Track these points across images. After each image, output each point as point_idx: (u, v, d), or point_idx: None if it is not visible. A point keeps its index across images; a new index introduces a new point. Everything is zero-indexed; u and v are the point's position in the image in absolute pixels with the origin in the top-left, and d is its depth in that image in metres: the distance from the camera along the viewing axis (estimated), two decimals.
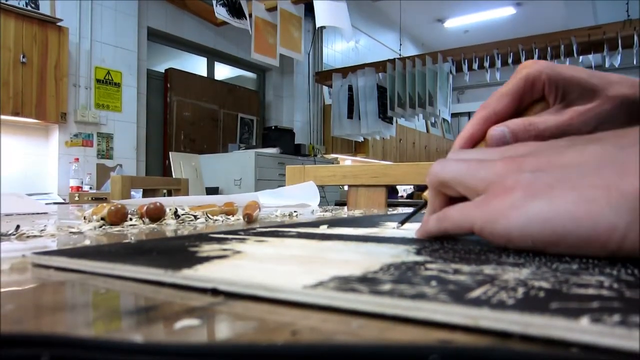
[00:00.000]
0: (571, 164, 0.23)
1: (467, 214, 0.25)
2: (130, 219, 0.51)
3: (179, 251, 0.25)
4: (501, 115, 0.32)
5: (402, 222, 0.40)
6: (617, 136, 0.23)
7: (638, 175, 0.19)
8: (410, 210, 0.82)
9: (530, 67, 0.31)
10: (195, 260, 0.22)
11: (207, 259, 0.22)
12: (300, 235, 0.33)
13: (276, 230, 0.36)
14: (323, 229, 0.38)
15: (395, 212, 0.77)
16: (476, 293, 0.14)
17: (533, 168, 0.24)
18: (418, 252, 0.24)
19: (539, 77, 0.31)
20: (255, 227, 0.43)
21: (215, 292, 0.17)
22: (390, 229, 0.38)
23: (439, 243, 0.27)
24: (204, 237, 0.31)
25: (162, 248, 0.26)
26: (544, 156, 0.24)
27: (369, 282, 0.16)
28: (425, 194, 0.36)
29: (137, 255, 0.23)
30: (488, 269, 0.19)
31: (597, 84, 0.31)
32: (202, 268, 0.19)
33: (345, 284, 0.16)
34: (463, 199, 0.28)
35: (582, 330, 0.11)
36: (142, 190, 1.82)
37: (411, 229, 0.37)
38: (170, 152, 3.40)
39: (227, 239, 0.30)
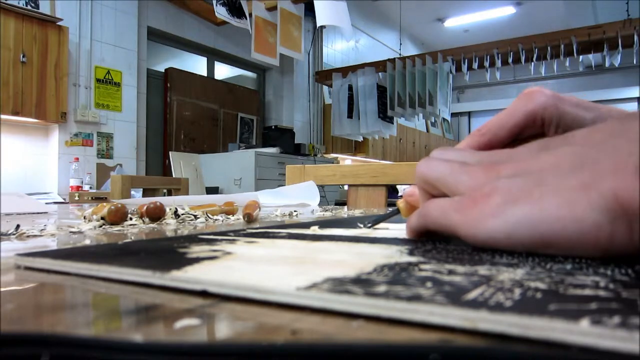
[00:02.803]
0: (547, 167, 0.23)
1: (449, 218, 0.25)
2: (130, 219, 0.51)
3: (168, 252, 0.25)
4: (496, 147, 0.31)
5: (374, 223, 0.40)
6: (588, 135, 0.23)
7: (612, 175, 0.19)
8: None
9: (535, 100, 0.30)
10: (185, 261, 0.21)
11: (197, 260, 0.22)
12: (291, 236, 0.32)
13: (267, 231, 0.36)
14: (314, 230, 0.37)
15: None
16: (473, 294, 0.14)
17: (510, 174, 0.24)
18: (411, 253, 0.24)
19: (541, 114, 0.30)
20: (249, 228, 0.42)
21: (205, 294, 0.17)
22: (381, 230, 0.38)
23: (431, 243, 0.27)
24: (193, 238, 0.31)
25: (150, 249, 0.26)
26: (520, 161, 0.24)
27: (363, 283, 0.16)
28: (399, 201, 0.36)
29: (125, 257, 0.23)
30: (482, 270, 0.18)
31: None
32: (192, 269, 0.19)
33: (339, 285, 0.16)
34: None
35: (582, 332, 0.11)
36: (142, 189, 1.82)
37: (403, 229, 0.37)
38: (170, 152, 3.40)
39: (216, 240, 0.30)
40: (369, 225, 0.40)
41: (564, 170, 0.22)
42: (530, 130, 0.31)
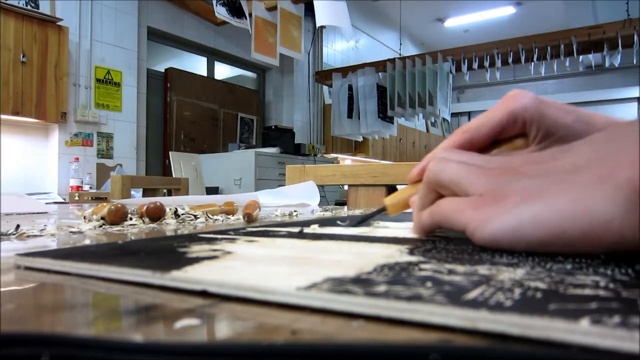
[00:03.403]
0: (566, 167, 0.23)
1: (462, 214, 0.26)
2: (130, 219, 0.51)
3: (168, 252, 0.24)
4: (477, 145, 0.32)
5: (357, 224, 0.40)
6: (606, 135, 0.23)
7: (631, 167, 0.20)
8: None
9: (517, 101, 0.31)
10: (185, 261, 0.21)
11: (197, 259, 0.22)
12: (291, 235, 0.32)
13: (267, 230, 0.36)
14: (314, 229, 0.37)
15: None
16: (473, 294, 0.14)
17: (531, 175, 0.24)
18: (411, 252, 0.24)
19: (522, 115, 0.31)
20: (248, 227, 0.42)
21: (205, 294, 0.17)
22: (381, 229, 0.38)
23: (431, 243, 0.27)
24: (193, 238, 0.31)
25: (150, 249, 0.26)
26: (540, 163, 0.25)
27: (363, 283, 0.16)
28: (387, 199, 0.36)
29: (125, 256, 0.23)
30: (483, 269, 0.18)
31: (580, 131, 0.30)
32: (192, 269, 0.19)
33: (339, 285, 0.16)
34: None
35: (582, 332, 0.11)
36: (142, 189, 1.82)
37: (403, 229, 0.37)
38: (170, 152, 3.40)
39: (216, 239, 0.30)
40: (351, 224, 0.39)
41: (582, 168, 0.22)
42: (511, 131, 0.32)
